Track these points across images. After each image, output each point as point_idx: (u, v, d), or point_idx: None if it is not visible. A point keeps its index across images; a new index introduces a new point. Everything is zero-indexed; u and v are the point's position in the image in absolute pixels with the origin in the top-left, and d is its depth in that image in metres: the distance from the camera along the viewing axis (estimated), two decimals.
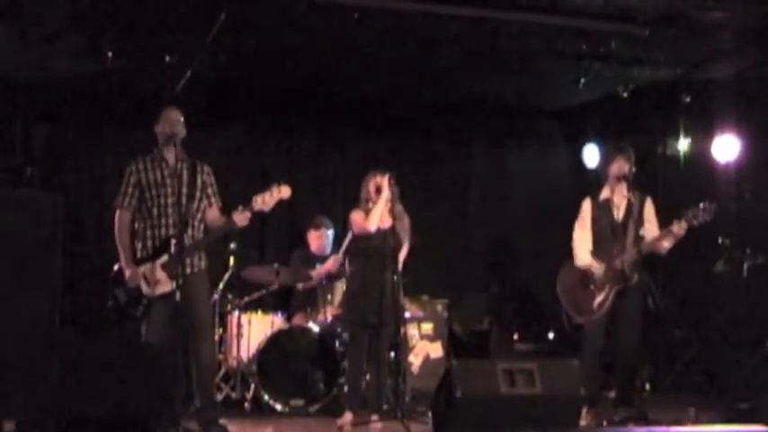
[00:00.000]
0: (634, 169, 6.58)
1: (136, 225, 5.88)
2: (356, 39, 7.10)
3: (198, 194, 5.87)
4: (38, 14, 6.52)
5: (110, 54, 7.14)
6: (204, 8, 6.41)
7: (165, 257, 5.73)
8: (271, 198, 5.87)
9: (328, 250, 7.98)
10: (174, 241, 5.63)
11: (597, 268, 6.54)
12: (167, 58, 7.22)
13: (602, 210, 6.66)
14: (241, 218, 5.83)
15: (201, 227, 5.94)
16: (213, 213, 5.99)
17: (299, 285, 7.88)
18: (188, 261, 5.76)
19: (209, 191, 5.98)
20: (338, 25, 6.80)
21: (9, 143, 8.27)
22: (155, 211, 5.81)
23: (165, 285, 5.70)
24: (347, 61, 7.69)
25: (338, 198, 8.92)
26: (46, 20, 6.65)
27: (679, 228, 6.31)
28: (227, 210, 6.04)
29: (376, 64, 7.80)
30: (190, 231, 5.81)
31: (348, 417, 6.37)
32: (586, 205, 6.74)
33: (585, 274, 6.61)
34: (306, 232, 8.09)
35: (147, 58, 7.29)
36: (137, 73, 7.70)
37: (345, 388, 7.10)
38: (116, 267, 5.85)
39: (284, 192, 5.91)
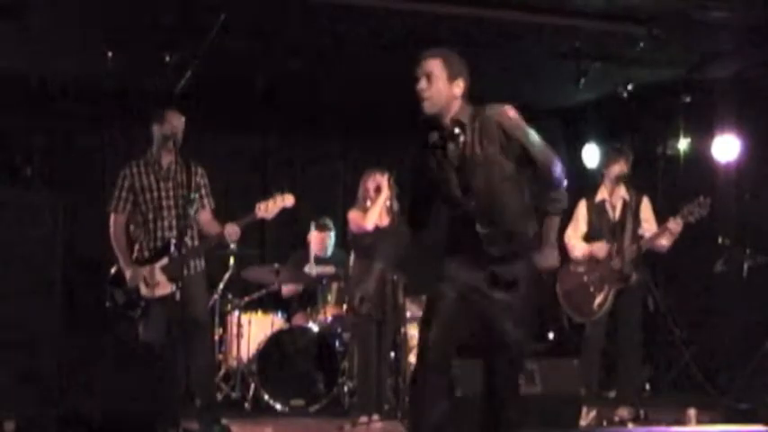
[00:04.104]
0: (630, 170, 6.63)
1: (132, 228, 5.88)
2: (356, 39, 7.10)
3: (193, 197, 5.87)
4: (38, 14, 6.51)
5: (110, 54, 7.14)
6: (204, 8, 6.41)
7: (164, 260, 5.74)
8: (274, 206, 5.91)
9: (329, 251, 7.97)
10: (174, 244, 5.64)
11: (600, 247, 6.53)
12: (167, 58, 7.22)
13: (598, 210, 6.67)
14: (232, 232, 5.84)
15: (196, 228, 5.94)
16: (206, 216, 5.98)
17: (284, 291, 7.88)
18: (188, 263, 5.76)
19: (203, 192, 5.97)
20: (338, 25, 6.80)
21: (9, 143, 8.28)
22: (150, 215, 5.80)
23: (164, 288, 5.70)
24: (347, 61, 7.69)
25: (339, 198, 8.92)
26: (46, 20, 6.65)
27: (675, 225, 6.32)
28: (224, 211, 6.03)
29: (376, 63, 7.80)
30: (188, 233, 5.81)
31: (365, 419, 6.34)
32: (582, 206, 6.75)
33: (585, 274, 6.61)
34: (309, 232, 8.06)
35: (147, 58, 7.29)
36: (137, 73, 7.70)
37: (346, 389, 7.10)
38: (113, 269, 5.86)
39: (288, 200, 5.95)
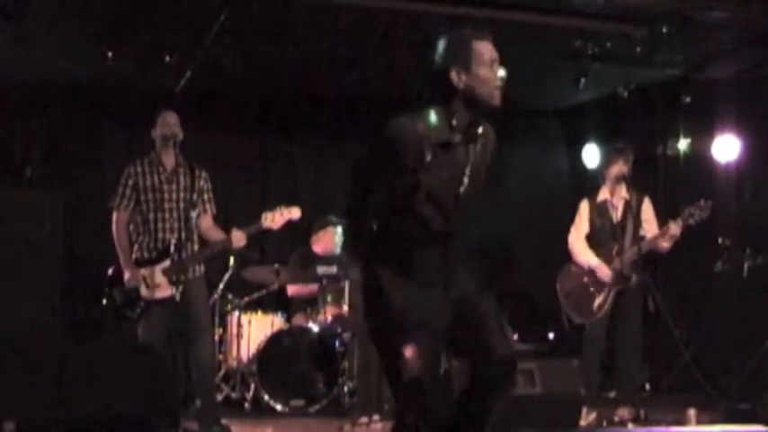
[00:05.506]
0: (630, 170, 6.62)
1: (131, 228, 5.89)
2: (357, 39, 7.10)
3: (195, 200, 5.87)
4: (38, 14, 6.51)
5: (110, 54, 7.14)
6: (204, 8, 6.41)
7: (166, 263, 5.74)
8: (280, 217, 5.98)
9: (337, 249, 7.94)
10: (174, 246, 5.65)
11: (605, 271, 6.52)
12: (167, 58, 7.22)
13: (600, 211, 6.67)
14: (238, 238, 5.86)
15: (197, 233, 5.95)
16: (207, 221, 5.99)
17: (290, 290, 7.86)
18: (188, 267, 5.76)
19: (205, 197, 5.98)
20: (339, 26, 6.80)
21: (9, 143, 8.27)
22: (150, 215, 5.81)
23: (165, 290, 5.70)
24: (348, 62, 7.69)
25: (339, 198, 8.91)
26: (46, 20, 6.65)
27: (675, 227, 6.33)
28: (224, 211, 6.03)
29: (376, 64, 7.80)
30: (190, 237, 5.81)
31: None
32: (584, 206, 6.75)
33: (585, 276, 6.61)
34: (313, 233, 8.02)
35: (147, 58, 7.29)
36: (137, 73, 7.70)
37: (346, 389, 7.11)
38: (111, 270, 5.86)
39: (294, 213, 6.03)
